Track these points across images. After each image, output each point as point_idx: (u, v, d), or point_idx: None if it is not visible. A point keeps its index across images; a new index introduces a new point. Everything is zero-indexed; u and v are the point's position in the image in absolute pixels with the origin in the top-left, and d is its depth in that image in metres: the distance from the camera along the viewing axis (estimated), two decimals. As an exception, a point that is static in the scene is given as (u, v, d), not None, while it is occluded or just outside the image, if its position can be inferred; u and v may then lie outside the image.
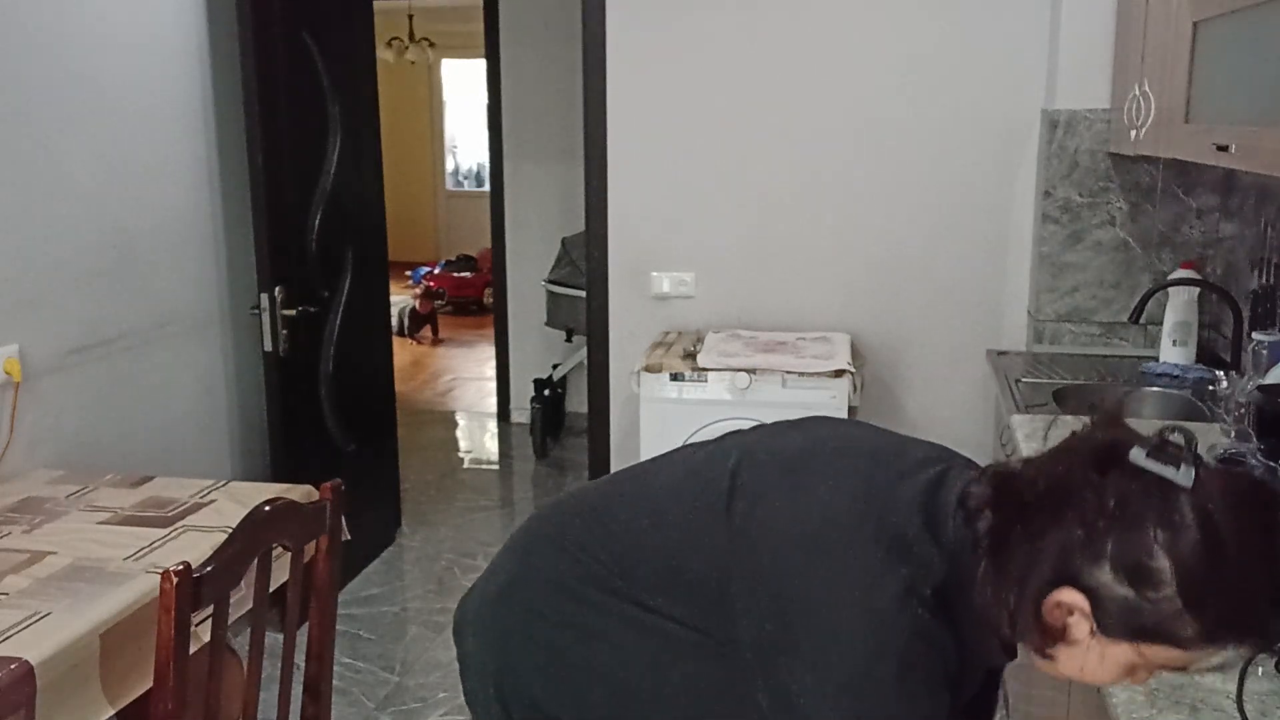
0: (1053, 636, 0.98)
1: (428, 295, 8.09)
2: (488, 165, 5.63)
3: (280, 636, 1.83)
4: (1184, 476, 0.92)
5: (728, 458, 1.19)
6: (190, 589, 1.49)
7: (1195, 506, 0.91)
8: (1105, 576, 0.93)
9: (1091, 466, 0.96)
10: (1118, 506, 0.93)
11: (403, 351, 7.07)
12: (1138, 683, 1.02)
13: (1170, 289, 2.96)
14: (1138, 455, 0.94)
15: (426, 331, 7.87)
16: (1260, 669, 1.29)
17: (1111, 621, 0.94)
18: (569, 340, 5.17)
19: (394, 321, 7.09)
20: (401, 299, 7.59)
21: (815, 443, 1.19)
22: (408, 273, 9.10)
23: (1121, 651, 0.96)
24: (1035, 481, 1.00)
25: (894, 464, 1.12)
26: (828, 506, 1.07)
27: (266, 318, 3.20)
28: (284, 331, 3.22)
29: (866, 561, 1.02)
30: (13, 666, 1.54)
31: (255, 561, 1.68)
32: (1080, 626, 0.96)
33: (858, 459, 1.14)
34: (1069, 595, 0.95)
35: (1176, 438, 0.95)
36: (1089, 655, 0.97)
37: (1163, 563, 0.91)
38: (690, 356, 3.20)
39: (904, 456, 1.14)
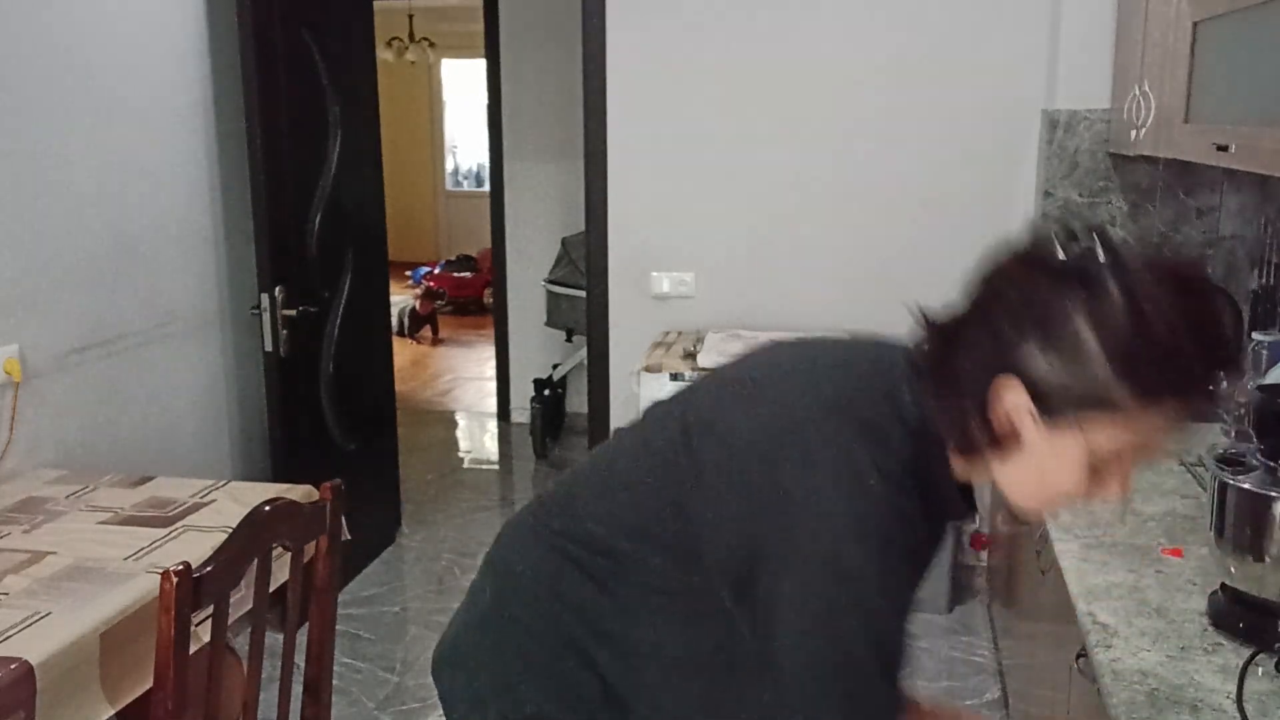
0: (1006, 442, 0.99)
1: (428, 295, 8.08)
2: (488, 165, 5.63)
3: (280, 636, 1.83)
4: (1097, 256, 0.95)
5: (673, 410, 1.20)
6: (190, 589, 1.49)
7: (1114, 277, 0.93)
8: (1035, 360, 0.95)
9: (1012, 267, 1.00)
10: (1037, 291, 0.96)
11: (403, 351, 7.07)
12: (1107, 492, 0.99)
13: (1170, 289, 2.96)
14: (1053, 245, 0.98)
15: (426, 331, 7.87)
16: (1260, 669, 1.29)
17: (1051, 404, 0.95)
18: (569, 340, 5.17)
19: (394, 322, 7.10)
20: (402, 299, 7.59)
21: (754, 365, 1.20)
22: (408, 273, 9.09)
23: (1071, 441, 0.96)
24: (965, 301, 1.03)
25: (833, 355, 1.14)
26: (786, 406, 1.07)
27: (266, 318, 3.20)
28: (284, 331, 3.22)
29: (835, 446, 1.02)
30: (13, 666, 1.54)
31: (255, 561, 1.68)
32: (1026, 424, 0.97)
33: (800, 362, 1.15)
34: (1008, 393, 0.96)
35: (1086, 230, 0.99)
36: (1043, 454, 0.97)
37: (1085, 331, 0.93)
38: (690, 356, 3.20)
39: (837, 347, 1.16)
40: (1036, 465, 0.99)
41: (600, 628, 1.18)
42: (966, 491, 1.09)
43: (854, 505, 0.99)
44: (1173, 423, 0.96)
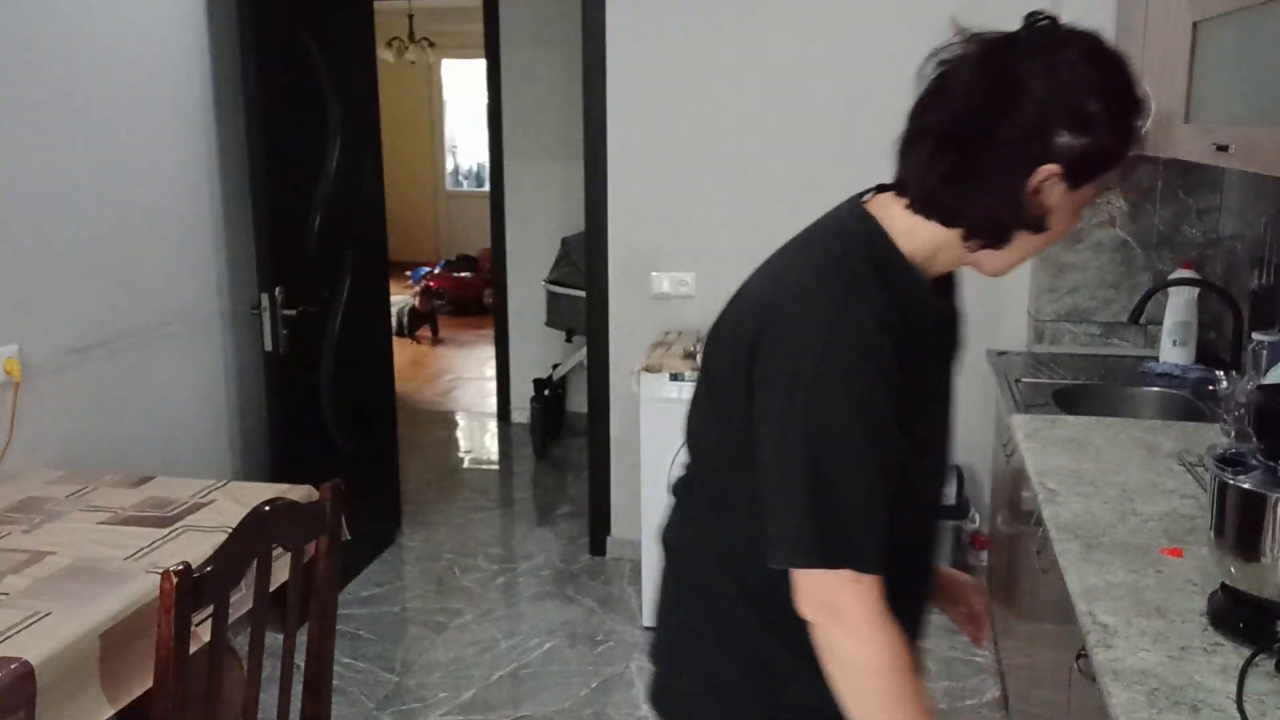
0: (1041, 212, 1.11)
1: (426, 294, 8.07)
2: (488, 165, 5.63)
3: (280, 636, 1.83)
4: (1051, 38, 1.10)
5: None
6: (190, 589, 1.50)
7: (1088, 55, 1.09)
8: (1064, 138, 1.08)
9: (993, 61, 1.12)
10: (1043, 81, 1.08)
11: (403, 351, 7.07)
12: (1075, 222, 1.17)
13: (1170, 289, 2.96)
14: (1027, 34, 1.11)
15: (426, 330, 7.88)
16: (1260, 669, 1.29)
17: (1078, 171, 1.09)
18: (569, 340, 5.17)
19: (394, 321, 7.07)
20: (400, 299, 7.59)
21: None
22: (408, 273, 9.09)
23: (1082, 196, 1.12)
24: (953, 104, 1.13)
25: (799, 236, 1.29)
26: (761, 286, 1.23)
27: (266, 318, 3.20)
28: (284, 331, 3.22)
29: (800, 297, 1.15)
30: (13, 666, 1.54)
31: (255, 561, 1.68)
32: (1054, 192, 1.10)
33: (775, 256, 1.30)
34: (1044, 171, 1.09)
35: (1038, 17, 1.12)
36: (1063, 214, 1.13)
37: (1096, 105, 1.08)
38: (690, 356, 3.20)
39: (805, 231, 1.30)
40: (1059, 227, 1.14)
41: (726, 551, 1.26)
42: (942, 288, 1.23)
43: (810, 330, 1.11)
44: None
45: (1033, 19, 1.11)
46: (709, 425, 1.25)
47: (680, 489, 1.36)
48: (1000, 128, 1.09)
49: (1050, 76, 1.08)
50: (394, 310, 6.93)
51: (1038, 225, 1.12)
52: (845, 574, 1.09)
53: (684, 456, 1.34)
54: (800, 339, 1.11)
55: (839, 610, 1.10)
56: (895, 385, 1.10)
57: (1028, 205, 1.10)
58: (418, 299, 7.92)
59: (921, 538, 1.30)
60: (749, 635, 1.25)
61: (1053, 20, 1.11)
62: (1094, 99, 1.08)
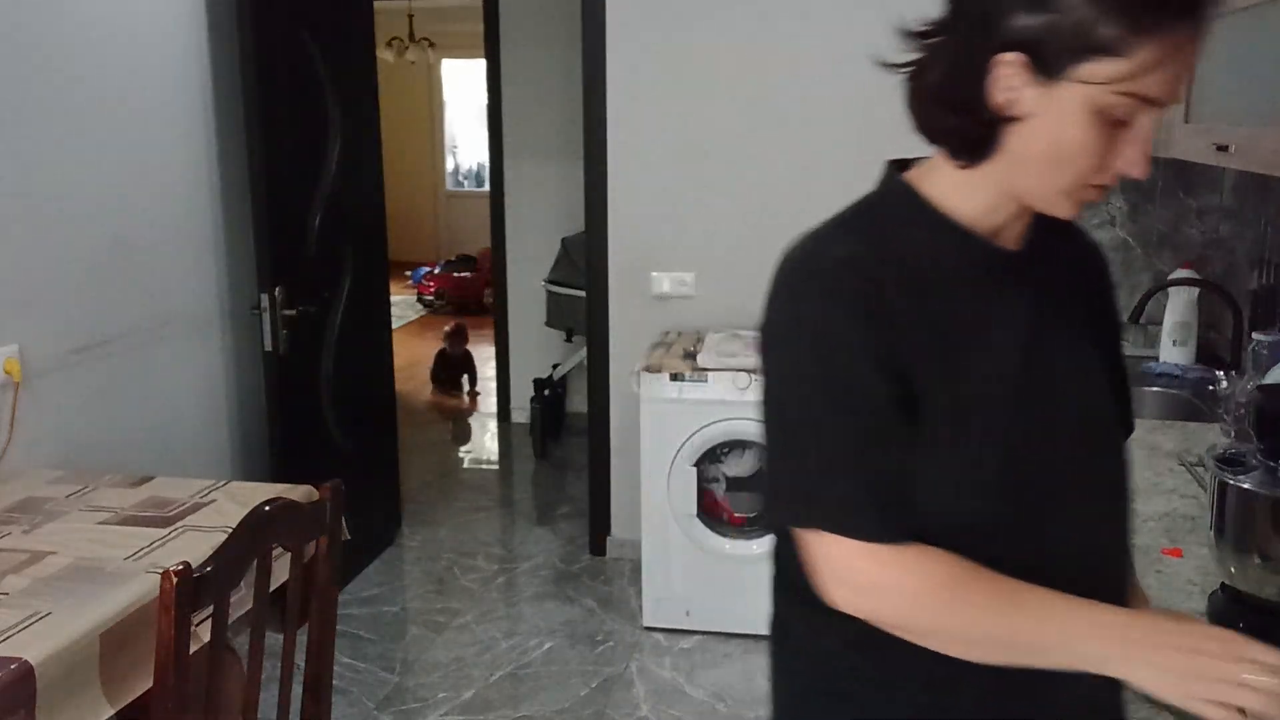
0: (1008, 114, 0.96)
1: (456, 335, 6.49)
2: (488, 165, 5.63)
3: (280, 636, 1.83)
4: None
5: None
6: (190, 589, 1.50)
7: None
8: (1019, 20, 0.92)
9: None
10: None
11: (402, 351, 7.05)
12: (1126, 160, 0.95)
13: (1170, 289, 2.96)
14: None
15: (463, 381, 6.48)
16: (1260, 669, 1.28)
17: (1045, 58, 0.92)
18: (569, 340, 5.17)
19: (426, 371, 6.62)
20: (407, 312, 7.44)
21: None
22: (407, 273, 9.09)
23: (1071, 94, 0.92)
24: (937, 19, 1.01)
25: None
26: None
27: (266, 318, 3.20)
28: (284, 331, 3.22)
29: (786, 296, 1.06)
30: (13, 666, 1.54)
31: (255, 561, 1.68)
32: (1026, 92, 0.94)
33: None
34: (1003, 68, 0.94)
35: None
36: (1049, 118, 0.94)
37: None
38: (690, 356, 3.20)
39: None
40: (1045, 133, 0.95)
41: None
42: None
43: (780, 286, 1.05)
44: (1166, 59, 0.90)
45: None
46: None
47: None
48: (951, 28, 0.98)
49: None
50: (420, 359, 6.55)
51: (1005, 129, 0.97)
52: (828, 537, 0.97)
53: None
54: (772, 295, 1.05)
55: (825, 576, 0.99)
56: (876, 328, 0.98)
57: (990, 102, 0.95)
58: (448, 341, 6.44)
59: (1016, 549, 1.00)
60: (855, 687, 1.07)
61: None
62: None
